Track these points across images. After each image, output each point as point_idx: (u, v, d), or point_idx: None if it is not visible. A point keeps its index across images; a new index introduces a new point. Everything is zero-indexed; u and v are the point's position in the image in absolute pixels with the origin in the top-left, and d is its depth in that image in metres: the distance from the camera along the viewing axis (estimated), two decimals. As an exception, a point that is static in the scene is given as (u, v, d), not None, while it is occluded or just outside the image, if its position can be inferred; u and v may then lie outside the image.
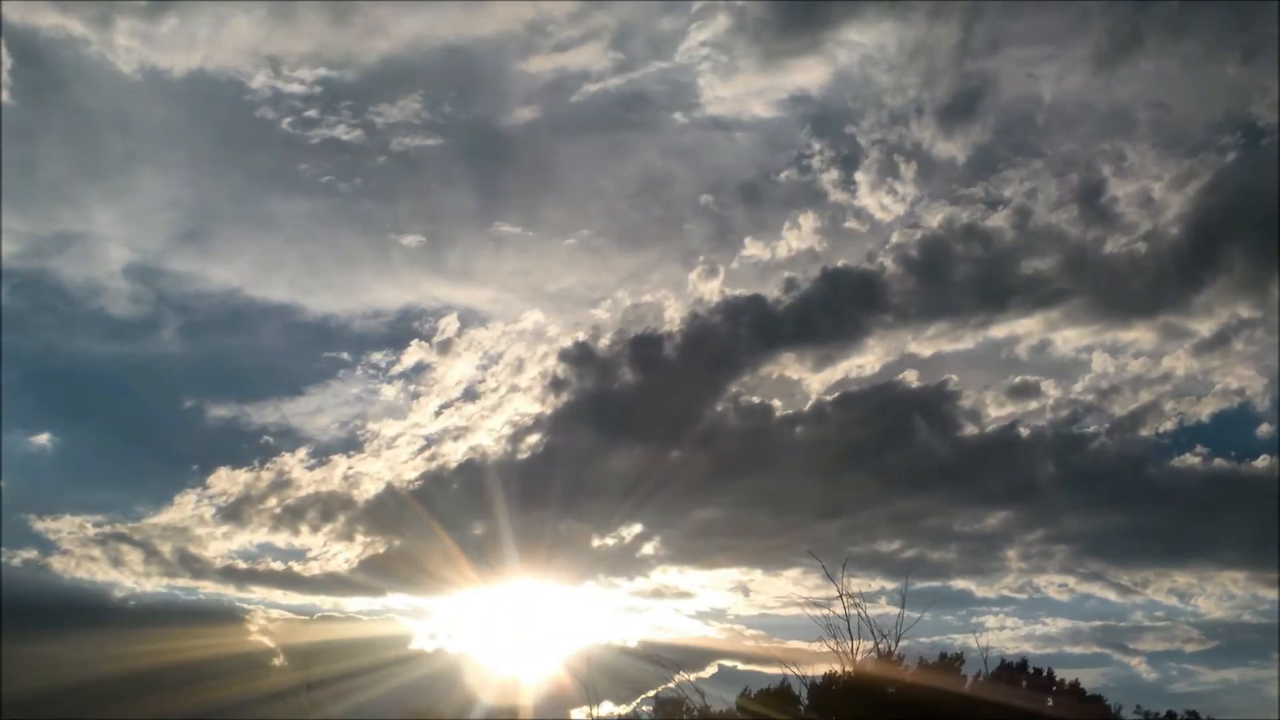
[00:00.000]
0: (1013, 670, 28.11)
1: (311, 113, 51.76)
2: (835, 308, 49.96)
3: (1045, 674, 28.37)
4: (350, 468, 51.82)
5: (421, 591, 50.59)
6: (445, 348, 53.07)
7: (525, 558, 45.82)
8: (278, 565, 51.10)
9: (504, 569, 46.19)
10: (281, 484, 51.63)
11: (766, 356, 50.68)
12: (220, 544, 50.81)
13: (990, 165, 51.70)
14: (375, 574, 51.00)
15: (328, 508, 51.12)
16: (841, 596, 16.85)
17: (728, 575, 52.95)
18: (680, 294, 52.40)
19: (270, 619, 43.92)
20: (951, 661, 25.75)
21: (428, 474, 50.61)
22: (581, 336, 51.40)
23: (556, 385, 51.15)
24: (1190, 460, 49.91)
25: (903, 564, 47.80)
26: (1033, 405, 50.83)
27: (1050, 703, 26.68)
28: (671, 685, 15.78)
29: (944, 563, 50.93)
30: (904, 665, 24.55)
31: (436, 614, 51.17)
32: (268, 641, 41.03)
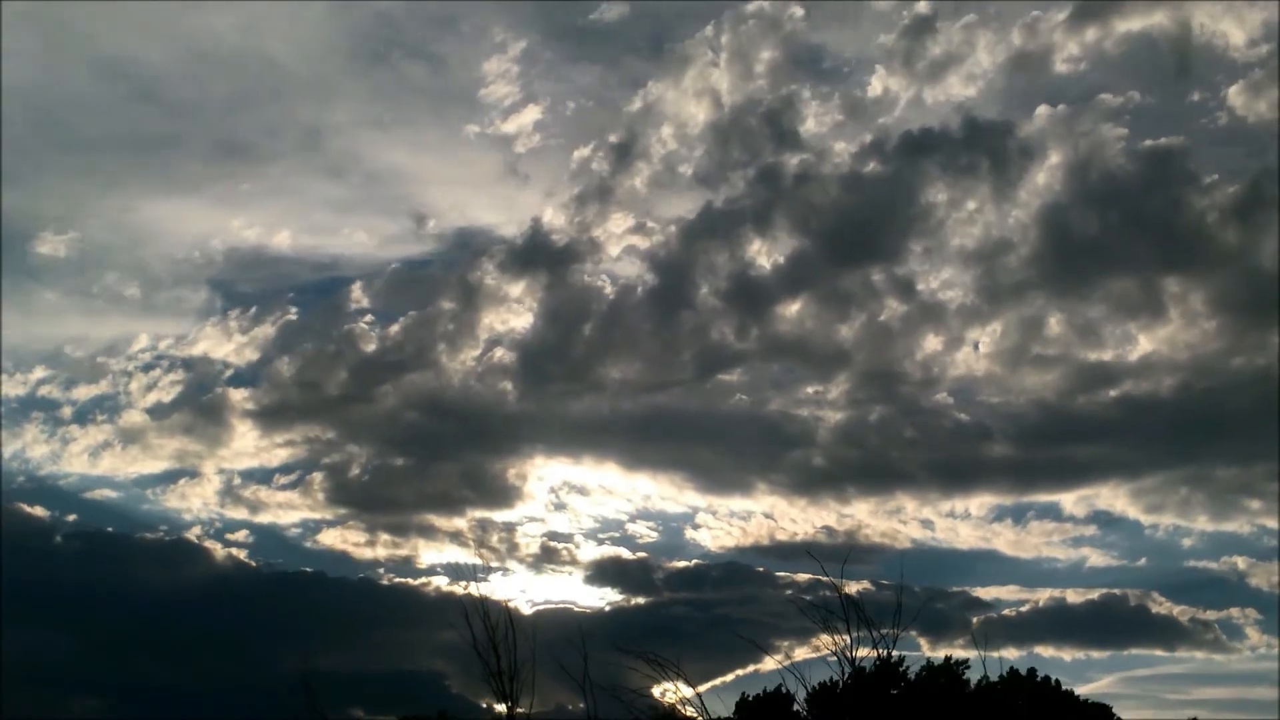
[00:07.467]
0: (1020, 679, 27.39)
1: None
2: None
3: (1054, 682, 27.64)
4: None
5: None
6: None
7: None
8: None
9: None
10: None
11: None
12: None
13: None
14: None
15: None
16: (841, 596, 16.46)
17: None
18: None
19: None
20: (955, 667, 25.07)
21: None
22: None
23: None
24: None
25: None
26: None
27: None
28: (674, 690, 15.48)
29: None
30: (906, 669, 23.81)
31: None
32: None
